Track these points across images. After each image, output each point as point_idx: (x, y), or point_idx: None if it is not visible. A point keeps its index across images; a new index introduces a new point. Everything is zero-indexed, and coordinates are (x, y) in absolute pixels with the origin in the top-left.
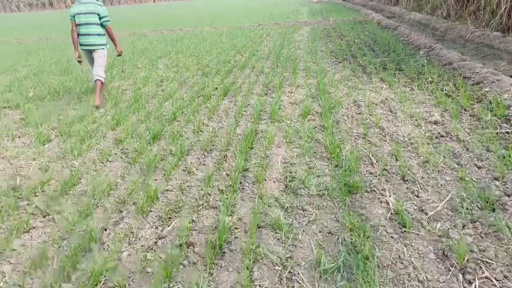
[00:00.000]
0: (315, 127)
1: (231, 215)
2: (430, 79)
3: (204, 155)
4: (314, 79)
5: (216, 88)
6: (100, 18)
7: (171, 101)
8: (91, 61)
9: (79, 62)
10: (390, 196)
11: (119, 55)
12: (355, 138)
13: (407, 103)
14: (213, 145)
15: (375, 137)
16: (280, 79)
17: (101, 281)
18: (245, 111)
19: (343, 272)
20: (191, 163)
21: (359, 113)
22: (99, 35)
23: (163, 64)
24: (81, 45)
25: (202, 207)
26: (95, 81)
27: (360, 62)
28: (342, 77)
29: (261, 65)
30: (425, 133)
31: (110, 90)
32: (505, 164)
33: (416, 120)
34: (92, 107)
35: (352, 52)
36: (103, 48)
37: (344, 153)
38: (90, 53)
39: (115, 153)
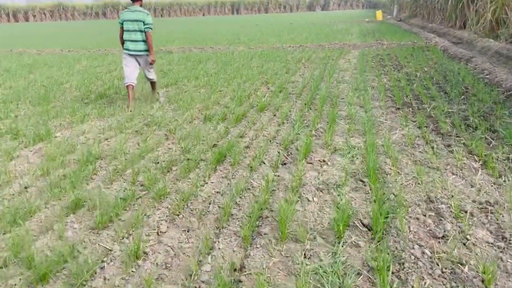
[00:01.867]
0: (358, 273)
1: None
2: None
3: None
4: (361, 138)
5: (214, 145)
6: (144, 25)
7: (130, 172)
8: (132, 65)
9: None
10: None
11: (151, 64)
12: None
13: None
14: None
15: None
16: (310, 135)
17: None
18: (238, 205)
19: None
20: None
21: (442, 240)
22: (144, 41)
23: (164, 97)
24: (127, 49)
25: None
26: (151, 83)
27: (428, 110)
28: (404, 139)
29: (289, 106)
30: None
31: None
32: None
33: None
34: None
35: (414, 92)
36: (148, 54)
37: None
38: (134, 58)
39: None
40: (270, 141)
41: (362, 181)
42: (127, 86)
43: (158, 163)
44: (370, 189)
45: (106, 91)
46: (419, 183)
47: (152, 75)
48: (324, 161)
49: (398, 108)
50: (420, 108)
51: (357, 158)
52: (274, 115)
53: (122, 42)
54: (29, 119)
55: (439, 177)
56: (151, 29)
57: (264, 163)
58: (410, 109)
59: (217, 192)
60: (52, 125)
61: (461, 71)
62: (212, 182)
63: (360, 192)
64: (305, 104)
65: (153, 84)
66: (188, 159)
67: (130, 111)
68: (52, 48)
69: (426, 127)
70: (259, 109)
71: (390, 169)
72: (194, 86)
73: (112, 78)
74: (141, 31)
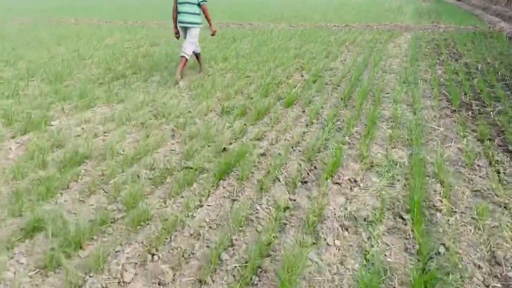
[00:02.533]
0: None
1: None
2: None
3: None
4: (405, 150)
5: (224, 149)
6: None
7: (115, 182)
8: (185, 37)
9: (177, 37)
10: None
11: (212, 35)
12: None
13: None
14: None
15: None
16: (342, 142)
17: None
18: (233, 246)
19: None
20: None
21: None
22: (193, 14)
23: (184, 81)
24: (178, 22)
25: None
26: (180, 56)
27: (492, 115)
28: (461, 155)
29: (322, 101)
30: None
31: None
32: None
33: None
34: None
35: (474, 89)
36: (196, 27)
37: None
38: (184, 30)
39: None
40: (293, 147)
41: (402, 218)
42: (181, 57)
43: (153, 169)
44: (412, 234)
45: (126, 70)
46: (479, 229)
47: (188, 50)
48: (355, 181)
49: (454, 111)
50: (481, 112)
51: (398, 180)
52: (303, 112)
53: (175, 15)
54: (33, 100)
55: (509, 221)
56: (206, 1)
57: (279, 180)
58: (470, 112)
59: (212, 221)
60: (54, 110)
61: None
62: (209, 205)
63: (399, 236)
64: (342, 99)
65: (183, 60)
66: (188, 168)
67: (178, 85)
68: (90, 18)
69: (490, 140)
70: (287, 103)
71: (441, 201)
72: (220, 69)
73: (137, 56)
74: (192, 3)
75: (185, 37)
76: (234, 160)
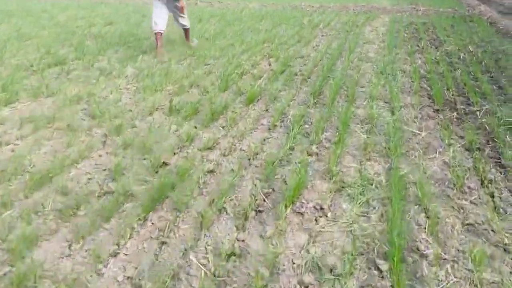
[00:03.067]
0: None
1: None
2: None
3: None
4: (382, 163)
5: (164, 164)
6: None
7: None
8: (161, 11)
9: None
10: None
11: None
12: None
13: None
14: None
15: None
16: (308, 153)
17: None
18: None
19: None
20: None
21: None
22: None
23: (133, 70)
24: None
25: None
26: (184, 29)
27: (479, 116)
28: (448, 172)
29: (289, 96)
30: None
31: None
32: None
33: None
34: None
35: (458, 83)
36: None
37: None
38: (162, 2)
39: None
40: (249, 160)
41: (378, 268)
42: (155, 33)
43: (66, 194)
44: None
45: (68, 54)
46: (476, 286)
47: (185, 21)
48: (322, 208)
49: (437, 110)
50: (467, 112)
51: (374, 208)
52: (266, 111)
53: None
54: None
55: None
56: None
57: (226, 211)
58: (455, 113)
59: (125, 280)
60: None
61: None
62: (126, 254)
63: None
64: (312, 94)
65: (186, 31)
66: (110, 193)
67: (162, 60)
68: None
69: (479, 149)
70: (248, 100)
71: (427, 240)
72: (179, 54)
73: (84, 36)
74: None
75: (164, 11)
76: (173, 181)
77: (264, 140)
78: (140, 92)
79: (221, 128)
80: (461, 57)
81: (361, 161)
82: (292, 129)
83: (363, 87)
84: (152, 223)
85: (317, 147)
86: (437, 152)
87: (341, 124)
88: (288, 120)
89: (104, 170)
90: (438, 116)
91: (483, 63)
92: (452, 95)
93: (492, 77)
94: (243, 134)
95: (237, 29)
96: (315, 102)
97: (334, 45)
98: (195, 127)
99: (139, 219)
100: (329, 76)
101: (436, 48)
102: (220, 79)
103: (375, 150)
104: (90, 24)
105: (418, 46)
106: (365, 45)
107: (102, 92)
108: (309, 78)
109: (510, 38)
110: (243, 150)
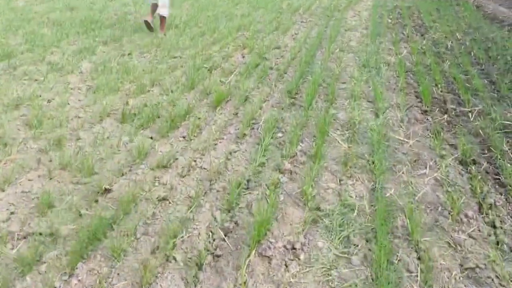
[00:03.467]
0: None
1: None
2: None
3: None
4: (365, 181)
5: (105, 192)
6: None
7: None
8: None
9: None
10: None
11: None
12: None
13: None
14: None
15: None
16: (280, 170)
17: None
18: None
19: None
20: None
21: None
22: None
23: (88, 64)
24: None
25: None
26: (161, 16)
27: (471, 119)
28: (441, 194)
29: (262, 96)
30: None
31: None
32: None
33: None
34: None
35: (447, 78)
36: None
37: None
38: None
39: None
40: (210, 182)
41: None
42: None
43: None
44: None
45: (19, 46)
46: None
47: (164, 9)
48: (293, 249)
49: (426, 111)
50: (459, 114)
51: (356, 247)
52: (235, 115)
53: None
54: None
55: None
56: None
57: (175, 258)
58: (445, 115)
59: None
60: None
61: (509, 43)
62: None
63: None
64: (288, 93)
65: (162, 20)
66: (36, 235)
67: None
68: None
69: (475, 163)
70: (215, 101)
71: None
72: (143, 45)
73: (42, 24)
74: None
75: None
76: (113, 215)
77: (230, 154)
78: (93, 92)
79: (181, 139)
80: (449, 46)
81: (341, 179)
82: (264, 139)
83: (344, 83)
84: (79, 280)
85: (290, 162)
86: (428, 167)
87: (319, 132)
88: (259, 127)
89: (33, 199)
90: (427, 119)
91: (472, 53)
92: (441, 91)
93: (483, 70)
94: (206, 146)
95: (210, 15)
96: (291, 103)
97: (313, 33)
98: (151, 138)
99: (64, 273)
100: (307, 70)
101: (422, 35)
102: (186, 76)
103: (357, 165)
104: (51, 9)
105: (403, 33)
106: (347, 33)
107: (48, 93)
108: (285, 73)
109: (498, 23)
110: (204, 168)
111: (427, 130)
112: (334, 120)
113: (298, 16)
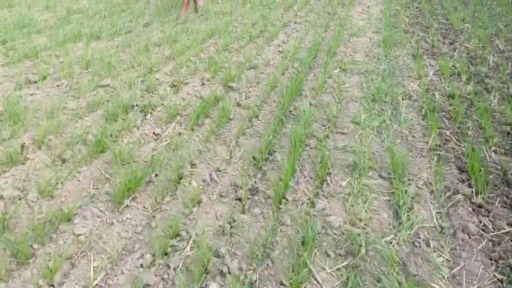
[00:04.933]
0: None
1: None
2: None
3: None
4: None
5: None
6: None
7: None
8: None
9: None
10: None
11: None
12: None
13: None
14: None
15: None
16: None
17: None
18: None
19: None
20: None
21: None
22: None
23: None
24: None
25: None
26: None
27: None
28: None
29: (197, 190)
30: None
31: None
32: None
33: None
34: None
35: (497, 119)
36: None
37: None
38: None
39: None
40: None
41: None
42: None
43: None
44: None
45: None
46: None
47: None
48: None
49: (480, 206)
50: None
51: None
52: (135, 252)
53: None
54: None
55: None
56: None
57: None
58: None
59: None
60: None
61: None
62: None
63: None
64: (253, 161)
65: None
66: None
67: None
68: None
69: None
70: (118, 196)
71: None
72: (59, 63)
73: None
74: None
75: None
76: None
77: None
78: None
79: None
80: (491, 62)
81: None
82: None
83: (344, 133)
84: None
85: None
86: None
87: (292, 272)
88: (178, 268)
89: None
90: (483, 229)
91: None
92: (496, 152)
93: None
94: None
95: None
96: (252, 190)
97: (308, 41)
98: None
99: None
100: (290, 112)
101: (451, 44)
102: (96, 128)
103: None
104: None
105: (425, 41)
106: (352, 40)
107: None
108: (256, 116)
109: None
110: None
111: (489, 258)
112: (323, 230)
113: (291, 14)
